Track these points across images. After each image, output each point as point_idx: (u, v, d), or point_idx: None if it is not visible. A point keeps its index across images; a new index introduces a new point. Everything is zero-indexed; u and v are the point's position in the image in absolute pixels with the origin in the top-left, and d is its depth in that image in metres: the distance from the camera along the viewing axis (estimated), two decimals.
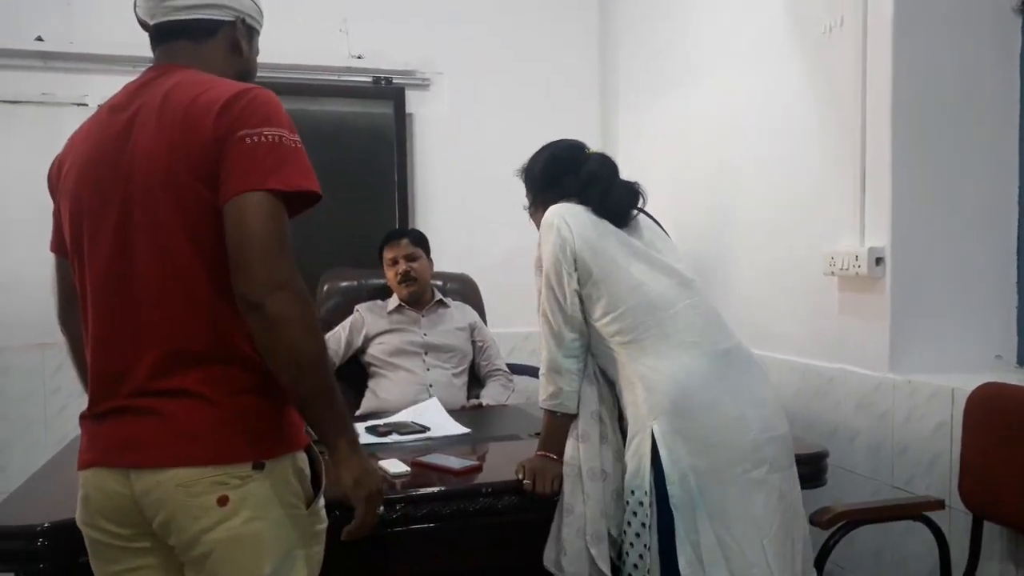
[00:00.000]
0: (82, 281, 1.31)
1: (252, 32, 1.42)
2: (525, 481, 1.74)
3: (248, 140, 1.18)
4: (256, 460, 1.20)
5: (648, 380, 1.66)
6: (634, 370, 1.69)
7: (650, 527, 1.61)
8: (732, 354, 1.73)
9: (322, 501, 1.32)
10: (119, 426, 1.24)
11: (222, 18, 1.35)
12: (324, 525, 1.33)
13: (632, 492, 1.65)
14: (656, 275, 1.74)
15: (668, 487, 1.59)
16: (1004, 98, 2.28)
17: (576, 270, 1.73)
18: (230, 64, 1.37)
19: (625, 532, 1.66)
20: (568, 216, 1.76)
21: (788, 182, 2.66)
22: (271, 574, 1.21)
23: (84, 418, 1.31)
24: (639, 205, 1.86)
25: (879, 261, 2.25)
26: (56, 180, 1.39)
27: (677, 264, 1.80)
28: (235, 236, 1.16)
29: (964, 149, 2.27)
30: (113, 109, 1.31)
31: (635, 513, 1.64)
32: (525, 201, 2.02)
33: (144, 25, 1.36)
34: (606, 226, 1.78)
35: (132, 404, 1.22)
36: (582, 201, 1.81)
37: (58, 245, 1.42)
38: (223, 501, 1.18)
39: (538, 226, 1.87)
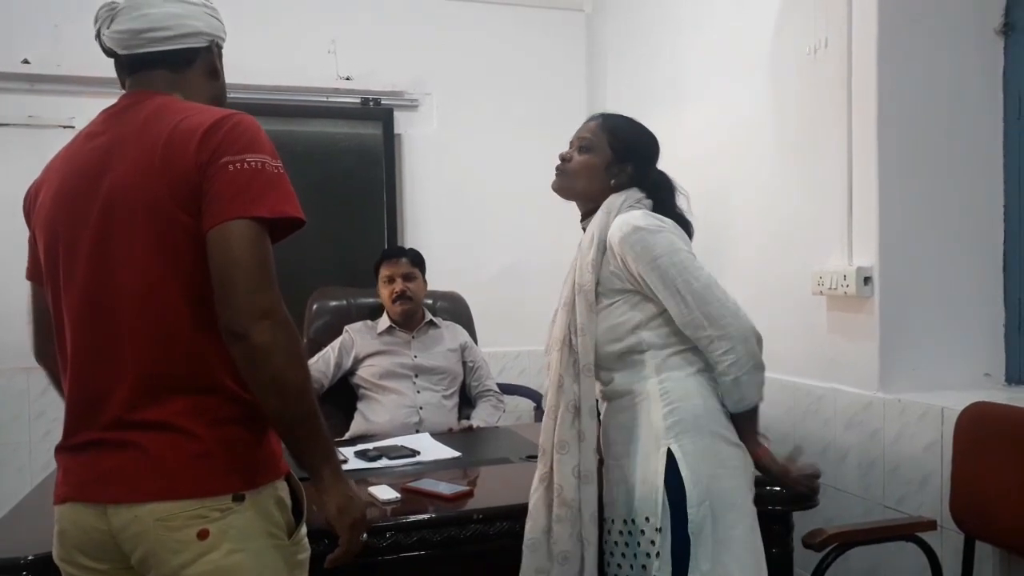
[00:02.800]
0: (58, 309, 1.28)
1: (221, 52, 1.41)
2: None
3: (231, 167, 1.17)
4: (236, 492, 1.19)
5: (671, 395, 1.57)
6: (658, 383, 1.59)
7: (663, 557, 1.51)
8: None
9: (304, 530, 1.30)
10: (95, 459, 1.21)
11: (199, 45, 1.34)
12: (307, 554, 1.30)
13: (647, 519, 1.54)
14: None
15: (688, 511, 1.50)
16: (988, 118, 2.31)
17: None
18: (208, 89, 1.36)
19: (620, 565, 1.59)
20: (661, 219, 1.65)
21: (775, 202, 2.68)
22: None
23: (59, 450, 1.27)
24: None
25: (867, 280, 2.26)
26: (31, 207, 1.37)
27: None
28: (219, 264, 1.15)
29: (949, 168, 2.29)
30: (89, 136, 1.29)
31: (651, 542, 1.53)
32: (585, 136, 1.78)
33: (110, 53, 1.32)
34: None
35: (108, 437, 1.20)
36: (653, 199, 1.71)
37: (34, 273, 1.39)
38: (203, 535, 1.15)
39: (586, 179, 1.72)
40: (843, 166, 2.35)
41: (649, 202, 1.71)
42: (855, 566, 2.25)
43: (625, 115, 1.82)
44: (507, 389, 3.19)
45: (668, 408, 1.57)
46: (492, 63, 4.04)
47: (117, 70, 1.34)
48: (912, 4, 2.25)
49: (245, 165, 1.17)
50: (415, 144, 3.96)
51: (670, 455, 1.54)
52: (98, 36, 1.31)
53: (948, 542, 2.01)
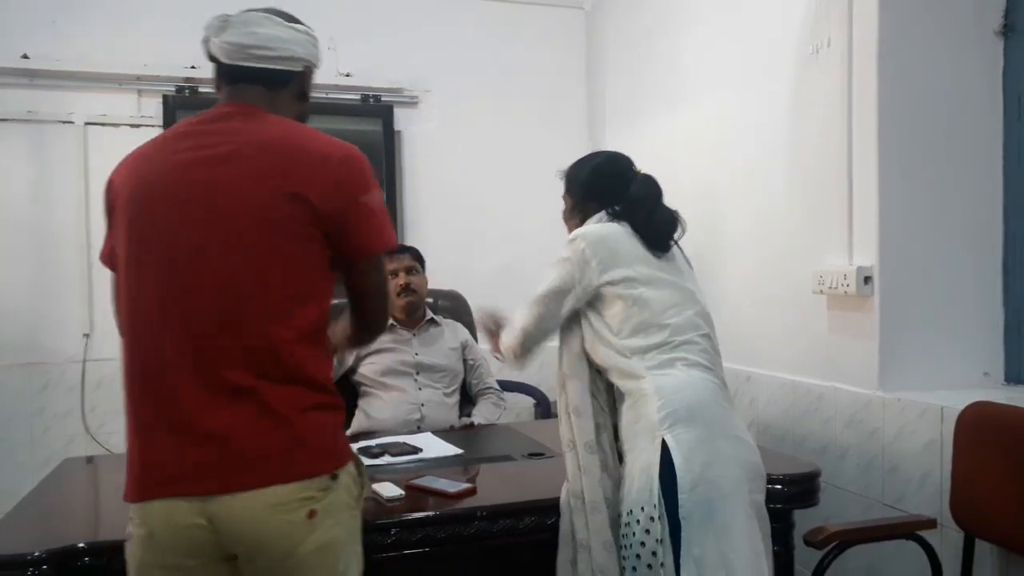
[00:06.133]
0: (136, 298, 1.31)
1: (312, 76, 1.50)
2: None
3: (364, 206, 1.35)
4: (332, 472, 1.30)
5: (665, 390, 1.64)
6: (651, 382, 1.65)
7: (663, 542, 1.57)
8: (726, 385, 1.76)
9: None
10: (193, 451, 1.24)
11: (295, 69, 1.42)
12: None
13: (642, 508, 1.60)
14: (686, 301, 1.75)
15: (679, 496, 1.56)
16: (988, 118, 2.32)
17: (606, 287, 1.73)
18: (295, 109, 1.45)
19: (626, 556, 1.64)
20: (614, 237, 1.78)
21: (776, 202, 2.69)
22: (344, 571, 1.31)
23: (142, 444, 1.29)
24: (678, 235, 1.84)
25: (867, 280, 2.27)
26: (115, 196, 1.39)
27: (700, 297, 1.81)
28: (366, 290, 1.42)
29: (950, 168, 2.30)
30: (189, 136, 1.35)
31: (648, 531, 1.58)
32: (562, 204, 1.99)
33: (212, 59, 1.41)
34: (643, 249, 1.78)
35: (206, 428, 1.24)
36: (627, 219, 1.80)
37: (111, 259, 1.42)
38: (312, 515, 1.25)
39: (570, 229, 1.90)
40: (843, 166, 2.36)
41: (612, 225, 1.81)
42: (854, 564, 2.27)
43: (581, 157, 1.99)
44: (507, 387, 3.19)
45: (661, 402, 1.63)
46: (492, 60, 4.04)
47: (216, 76, 1.43)
48: (913, 5, 2.26)
49: (374, 203, 1.36)
50: (415, 141, 3.97)
51: (664, 445, 1.59)
52: (205, 42, 1.40)
53: (948, 540, 2.02)
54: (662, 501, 1.57)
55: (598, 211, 1.85)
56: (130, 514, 1.31)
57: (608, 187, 1.86)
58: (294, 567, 1.24)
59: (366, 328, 1.50)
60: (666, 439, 1.59)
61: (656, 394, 1.64)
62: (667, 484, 1.58)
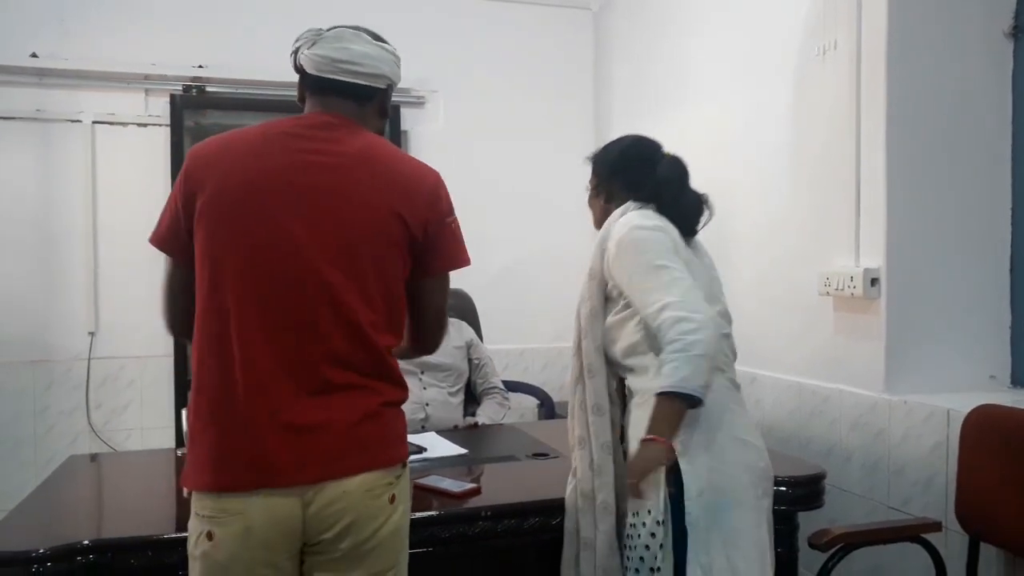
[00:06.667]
0: (222, 290, 1.31)
1: (391, 91, 1.55)
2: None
3: (452, 225, 1.46)
4: (403, 460, 1.41)
5: None
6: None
7: (665, 548, 1.55)
8: (738, 385, 1.72)
9: None
10: (291, 442, 1.29)
11: (379, 86, 1.48)
12: None
13: (648, 511, 1.57)
14: (712, 299, 1.69)
15: (685, 502, 1.54)
16: (997, 120, 2.31)
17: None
18: (377, 124, 1.52)
19: (630, 558, 1.62)
20: (660, 218, 1.71)
21: (783, 203, 2.68)
22: (404, 555, 1.42)
23: (222, 430, 1.30)
24: (705, 219, 1.79)
25: (874, 282, 2.27)
26: (194, 188, 1.35)
27: (722, 295, 1.78)
28: (433, 306, 1.49)
29: (958, 171, 2.29)
30: (294, 137, 1.39)
31: (653, 535, 1.56)
32: (587, 184, 1.92)
33: (299, 70, 1.47)
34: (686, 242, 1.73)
35: (304, 421, 1.30)
36: (654, 201, 1.76)
37: (170, 244, 1.39)
38: (392, 499, 1.36)
39: (594, 212, 1.87)
40: (851, 167, 2.35)
41: (646, 207, 1.75)
42: (859, 567, 2.26)
43: (609, 141, 1.92)
44: (512, 386, 3.19)
45: None
46: (499, 61, 4.04)
47: (300, 86, 1.49)
48: (921, 6, 2.26)
49: (455, 223, 1.47)
50: (421, 141, 3.97)
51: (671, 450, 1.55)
52: (295, 53, 1.46)
53: (953, 544, 2.01)
54: (668, 506, 1.55)
55: (623, 191, 1.81)
56: (205, 511, 1.29)
57: (635, 167, 1.82)
58: (374, 548, 1.33)
59: (419, 347, 1.54)
60: (673, 444, 1.55)
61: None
62: (674, 490, 1.56)
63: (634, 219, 1.70)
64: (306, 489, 1.28)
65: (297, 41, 1.46)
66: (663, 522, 1.55)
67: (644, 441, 1.52)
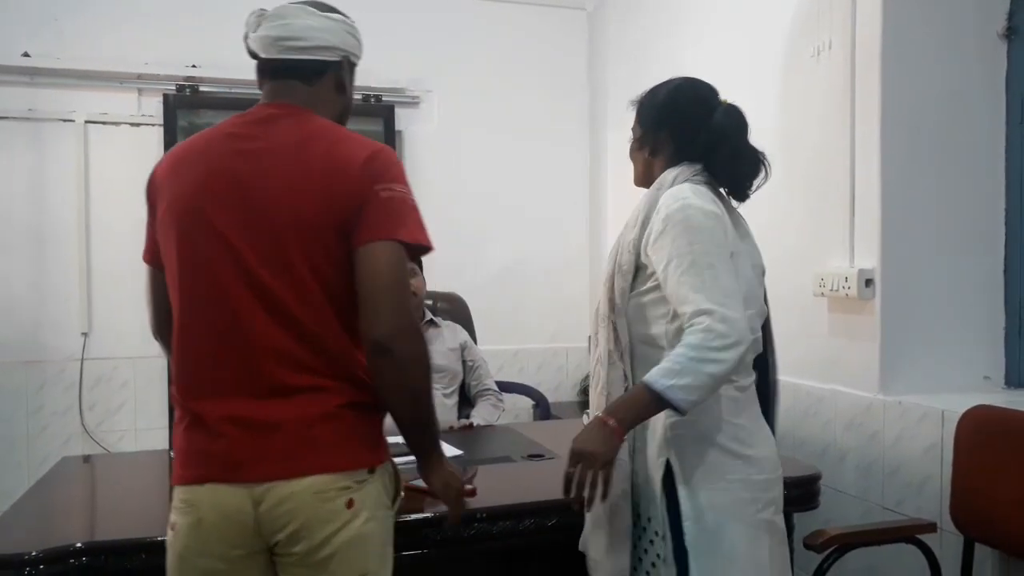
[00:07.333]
0: (187, 296, 1.33)
1: (353, 68, 1.48)
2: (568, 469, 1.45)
3: (383, 193, 1.30)
4: (370, 466, 1.33)
5: None
6: None
7: (666, 561, 1.51)
8: (750, 389, 1.58)
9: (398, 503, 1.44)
10: (242, 438, 1.28)
11: (330, 59, 1.41)
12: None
13: (649, 519, 1.55)
14: (752, 299, 1.54)
15: (684, 524, 1.48)
16: (991, 121, 2.32)
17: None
18: (335, 103, 1.44)
19: (641, 559, 1.58)
20: (715, 199, 1.52)
21: (777, 204, 2.67)
22: (375, 568, 1.33)
23: (187, 428, 1.32)
24: (760, 181, 1.60)
25: (868, 283, 2.27)
26: (157, 193, 1.40)
27: (762, 284, 1.62)
28: (366, 279, 1.28)
29: (952, 172, 2.29)
30: (234, 137, 1.36)
31: (651, 542, 1.54)
32: (630, 133, 1.71)
33: (253, 55, 1.41)
34: (730, 215, 1.55)
35: (253, 416, 1.28)
36: (704, 161, 1.57)
37: (154, 257, 1.43)
38: (350, 504, 1.29)
39: (636, 166, 1.66)
40: (846, 168, 2.36)
41: (701, 176, 1.56)
42: (853, 567, 2.26)
43: (658, 83, 1.71)
44: (506, 387, 3.19)
45: (672, 418, 1.49)
46: (493, 61, 4.04)
47: (258, 73, 1.43)
48: (916, 7, 2.26)
49: (394, 193, 1.32)
50: (416, 141, 3.96)
51: (668, 466, 1.51)
52: (245, 39, 1.40)
53: (948, 544, 2.02)
54: (667, 523, 1.51)
55: (670, 144, 1.60)
56: (174, 503, 1.32)
57: (686, 115, 1.60)
58: (331, 556, 1.27)
59: (364, 331, 1.29)
60: (670, 461, 1.51)
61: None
62: (672, 507, 1.50)
63: (689, 195, 1.49)
64: (255, 487, 1.26)
65: (245, 27, 1.40)
66: (663, 535, 1.51)
67: (600, 421, 1.42)
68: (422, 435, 1.41)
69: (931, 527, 1.93)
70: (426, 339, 2.82)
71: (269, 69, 1.40)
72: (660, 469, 1.52)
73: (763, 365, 1.69)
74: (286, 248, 1.28)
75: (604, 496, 1.44)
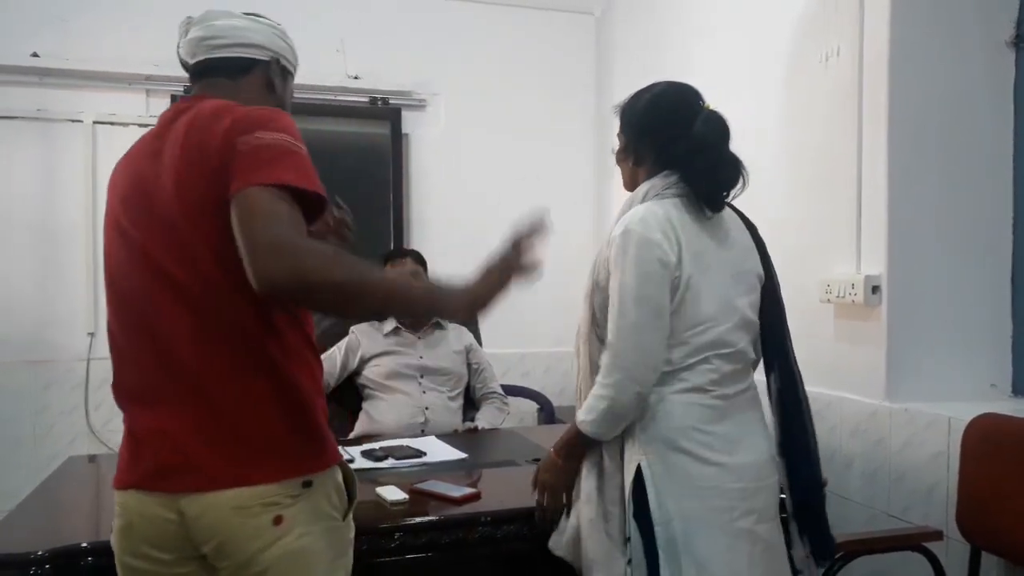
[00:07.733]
0: (110, 298, 1.33)
1: (286, 73, 1.46)
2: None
3: (242, 146, 1.18)
4: (305, 477, 1.24)
5: (653, 409, 1.53)
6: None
7: (634, 564, 1.51)
8: (738, 398, 1.59)
9: (352, 512, 1.35)
10: (162, 448, 1.22)
11: (257, 57, 1.40)
12: (353, 533, 1.35)
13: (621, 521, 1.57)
14: (723, 313, 1.56)
15: (655, 528, 1.49)
16: (998, 129, 2.31)
17: (673, 285, 1.51)
18: (264, 101, 1.38)
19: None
20: (666, 223, 1.53)
21: (784, 210, 2.68)
22: None
23: (125, 432, 1.30)
24: (737, 190, 1.61)
25: (875, 289, 2.27)
26: (107, 199, 1.41)
27: (750, 291, 1.65)
28: (238, 237, 1.13)
29: (959, 179, 2.29)
30: (152, 138, 1.34)
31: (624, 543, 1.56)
32: (615, 144, 1.72)
33: (185, 66, 1.41)
34: (703, 237, 1.56)
35: (172, 425, 1.22)
36: (684, 172, 1.56)
37: None
38: (278, 521, 1.20)
39: (623, 175, 1.68)
40: (853, 175, 2.35)
41: (675, 189, 1.58)
42: (859, 574, 2.25)
43: (642, 88, 1.74)
44: (512, 391, 3.19)
45: (643, 422, 1.53)
46: (501, 65, 4.04)
47: (189, 79, 1.42)
48: (924, 15, 2.26)
49: (254, 140, 1.18)
50: (422, 144, 3.97)
51: (639, 471, 1.52)
52: (177, 48, 1.40)
53: (954, 552, 2.01)
54: (635, 526, 1.52)
55: (651, 153, 1.60)
56: (116, 507, 1.30)
57: (666, 123, 1.60)
58: (262, 572, 1.20)
59: (254, 281, 1.10)
60: (641, 465, 1.52)
61: (645, 410, 1.53)
62: (641, 511, 1.51)
63: (637, 221, 1.52)
64: (178, 497, 1.20)
65: (178, 36, 1.41)
66: (631, 539, 1.52)
67: (550, 454, 1.66)
68: (392, 310, 1.33)
69: (937, 535, 1.92)
70: (434, 340, 2.85)
71: (197, 72, 1.40)
72: (631, 473, 1.54)
73: (788, 372, 1.73)
74: (188, 240, 1.21)
75: (567, 514, 1.65)
